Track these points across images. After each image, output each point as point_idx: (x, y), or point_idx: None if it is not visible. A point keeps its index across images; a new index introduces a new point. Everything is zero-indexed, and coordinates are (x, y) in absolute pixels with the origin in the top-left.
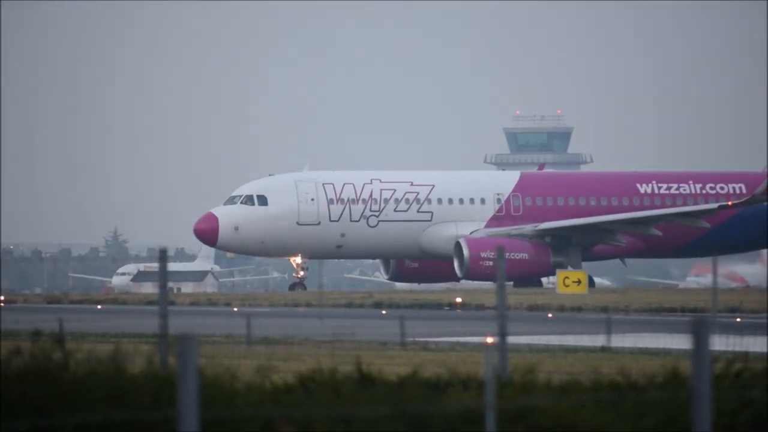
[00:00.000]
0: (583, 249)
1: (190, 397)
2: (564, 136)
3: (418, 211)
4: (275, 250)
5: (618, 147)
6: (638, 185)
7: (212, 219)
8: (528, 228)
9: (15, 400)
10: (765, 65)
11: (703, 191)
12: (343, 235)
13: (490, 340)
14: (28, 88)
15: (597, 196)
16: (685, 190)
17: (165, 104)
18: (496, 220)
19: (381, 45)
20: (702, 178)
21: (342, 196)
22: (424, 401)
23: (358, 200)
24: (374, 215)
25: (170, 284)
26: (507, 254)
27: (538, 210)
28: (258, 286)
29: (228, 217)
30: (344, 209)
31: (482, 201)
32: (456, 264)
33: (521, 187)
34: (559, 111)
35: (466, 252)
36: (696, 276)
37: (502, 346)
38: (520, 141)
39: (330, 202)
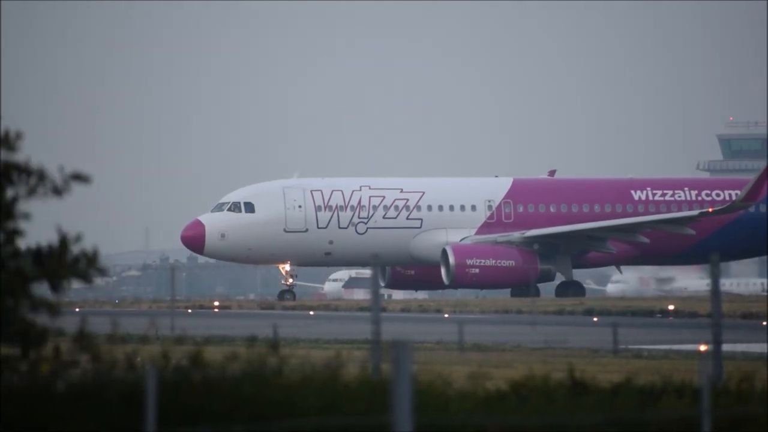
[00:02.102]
0: (574, 256)
1: (405, 403)
2: None
3: (407, 218)
4: (262, 257)
5: None
6: (632, 192)
7: (198, 226)
8: (515, 235)
9: (231, 404)
10: None
11: (699, 198)
12: (331, 242)
13: (704, 347)
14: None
15: (590, 203)
16: (680, 196)
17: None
18: (487, 227)
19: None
20: (697, 185)
21: (330, 203)
22: (638, 409)
23: (346, 207)
24: (363, 222)
25: (381, 291)
26: (493, 261)
27: (530, 217)
28: (468, 292)
29: (214, 224)
30: (332, 216)
31: (473, 208)
32: (443, 271)
33: (513, 193)
34: None
35: (451, 259)
36: None
37: (717, 354)
38: (733, 147)
39: (318, 209)
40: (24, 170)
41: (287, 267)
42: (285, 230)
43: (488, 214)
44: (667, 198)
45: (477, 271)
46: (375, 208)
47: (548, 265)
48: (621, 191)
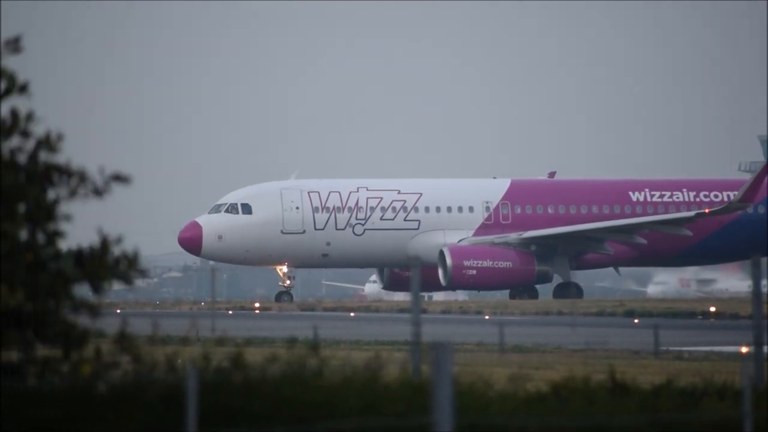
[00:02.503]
0: (572, 257)
1: (445, 404)
2: None
3: (405, 220)
4: (259, 259)
5: None
6: (630, 193)
7: (196, 228)
8: (512, 236)
9: (272, 405)
10: None
11: (697, 199)
12: (328, 243)
13: (745, 349)
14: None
15: (588, 204)
16: (678, 198)
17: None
18: (484, 229)
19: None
20: (696, 186)
21: (327, 205)
22: (679, 410)
23: (343, 208)
24: (360, 223)
25: (422, 292)
26: (490, 263)
27: (528, 218)
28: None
29: (211, 225)
30: (330, 217)
31: (470, 209)
32: (440, 273)
33: (511, 195)
34: None
35: (449, 261)
36: None
37: (758, 356)
38: None
39: (315, 210)
40: (65, 172)
41: (284, 269)
42: (282, 232)
43: (486, 215)
44: (665, 199)
45: (474, 272)
46: (372, 209)
47: (545, 267)
48: (619, 192)
